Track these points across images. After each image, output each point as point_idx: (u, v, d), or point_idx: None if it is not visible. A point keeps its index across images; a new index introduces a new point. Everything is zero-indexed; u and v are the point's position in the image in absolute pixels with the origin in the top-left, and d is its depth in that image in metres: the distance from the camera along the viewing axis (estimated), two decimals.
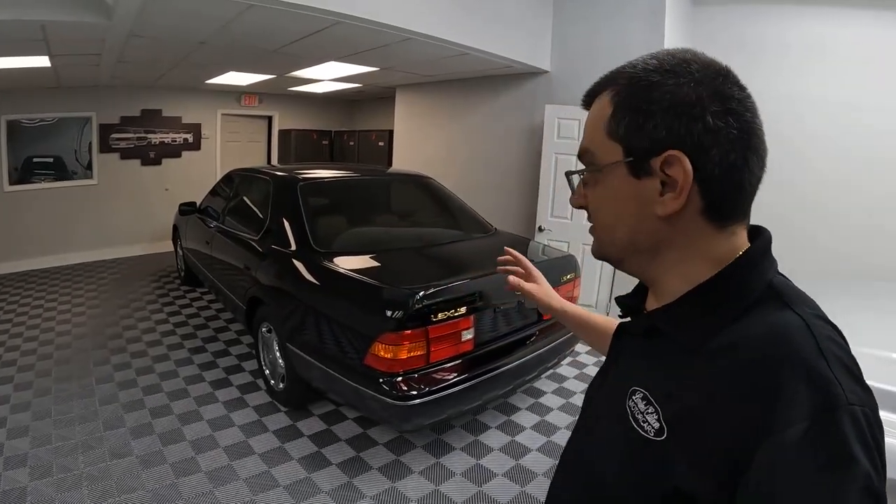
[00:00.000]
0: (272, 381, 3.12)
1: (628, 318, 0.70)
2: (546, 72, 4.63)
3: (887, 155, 3.59)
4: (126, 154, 6.58)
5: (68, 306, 4.74)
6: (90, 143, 6.26)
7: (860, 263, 3.61)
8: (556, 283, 2.95)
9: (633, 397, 0.58)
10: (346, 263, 2.64)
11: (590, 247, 0.71)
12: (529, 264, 1.13)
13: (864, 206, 3.70)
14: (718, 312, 0.54)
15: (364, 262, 2.71)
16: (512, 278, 1.09)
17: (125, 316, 4.52)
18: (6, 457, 2.49)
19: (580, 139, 0.64)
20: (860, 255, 3.66)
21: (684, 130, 0.53)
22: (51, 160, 6.04)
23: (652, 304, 0.65)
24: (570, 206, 0.62)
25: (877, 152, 3.62)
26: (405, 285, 2.30)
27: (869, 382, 0.49)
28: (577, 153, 0.65)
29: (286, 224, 3.04)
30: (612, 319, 1.00)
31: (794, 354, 0.47)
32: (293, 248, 2.90)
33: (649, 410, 0.55)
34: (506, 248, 1.18)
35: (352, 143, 7.95)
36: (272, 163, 8.09)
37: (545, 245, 3.59)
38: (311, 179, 3.38)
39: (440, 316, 2.24)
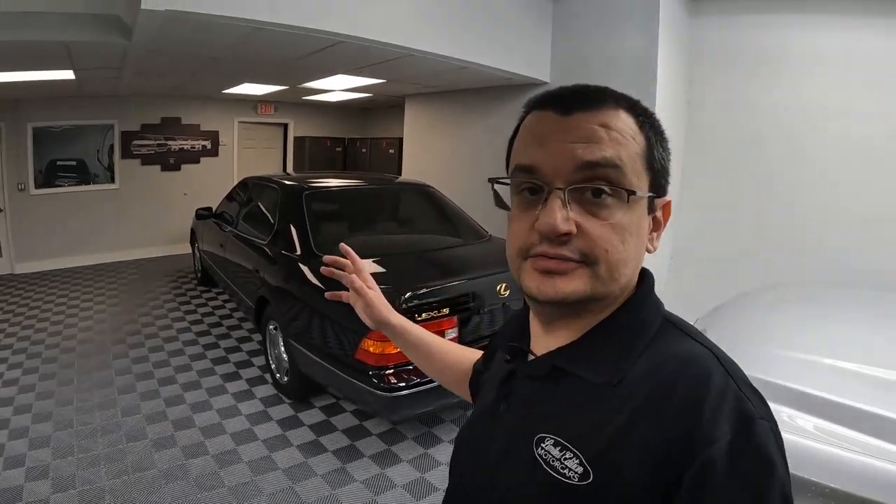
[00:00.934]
0: (278, 375, 3.33)
1: (510, 360, 0.66)
2: (545, 83, 4.77)
3: (882, 163, 3.62)
4: (147, 160, 6.90)
5: (90, 304, 5.03)
6: (111, 146, 6.57)
7: (847, 272, 3.66)
8: None
9: (543, 445, 0.54)
10: None
11: None
12: (364, 266, 0.98)
13: (858, 213, 3.73)
14: (629, 345, 0.55)
15: None
16: (356, 281, 0.95)
17: (144, 314, 4.79)
18: (30, 438, 2.74)
19: (590, 146, 0.54)
20: (848, 265, 3.70)
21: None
22: (74, 163, 6.35)
23: (542, 344, 0.62)
24: None
25: (872, 159, 3.65)
26: (393, 287, 2.49)
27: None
28: (586, 161, 0.53)
29: (292, 230, 3.26)
30: (458, 349, 0.96)
31: (708, 378, 0.49)
32: (298, 252, 3.12)
33: (566, 456, 0.52)
34: (342, 245, 1.01)
35: (364, 151, 8.18)
36: (288, 169, 8.37)
37: None
38: (316, 188, 3.61)
39: (424, 315, 2.43)
